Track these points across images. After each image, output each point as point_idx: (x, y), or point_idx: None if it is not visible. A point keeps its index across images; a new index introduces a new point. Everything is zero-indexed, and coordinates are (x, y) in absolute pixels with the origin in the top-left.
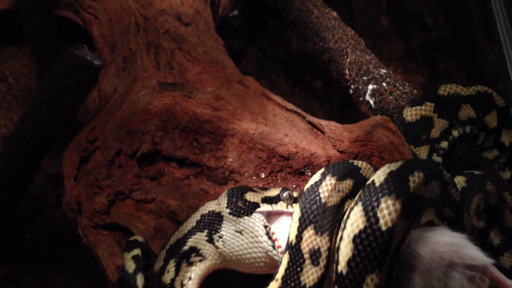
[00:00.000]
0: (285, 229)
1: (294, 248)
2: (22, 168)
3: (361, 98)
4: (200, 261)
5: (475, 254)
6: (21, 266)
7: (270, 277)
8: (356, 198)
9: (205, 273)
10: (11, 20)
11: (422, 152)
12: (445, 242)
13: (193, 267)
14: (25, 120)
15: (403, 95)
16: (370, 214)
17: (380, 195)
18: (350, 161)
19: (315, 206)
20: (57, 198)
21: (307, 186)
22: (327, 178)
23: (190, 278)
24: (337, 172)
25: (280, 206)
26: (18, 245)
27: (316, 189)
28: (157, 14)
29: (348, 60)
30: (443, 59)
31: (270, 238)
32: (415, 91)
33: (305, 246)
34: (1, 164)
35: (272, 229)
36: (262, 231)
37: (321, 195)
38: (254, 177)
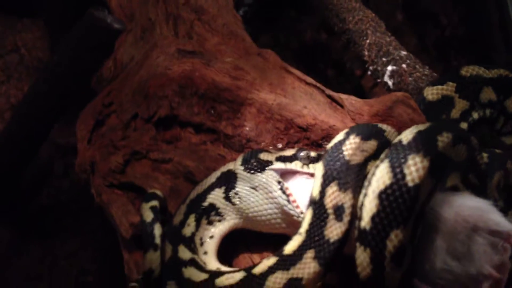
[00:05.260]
0: (300, 187)
1: (317, 204)
2: (33, 131)
3: (379, 80)
4: (219, 221)
5: (499, 220)
6: (27, 234)
7: (287, 239)
8: (382, 156)
9: (224, 234)
10: None
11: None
12: (470, 206)
13: (213, 227)
14: (40, 83)
15: (423, 77)
16: (397, 171)
17: (407, 152)
18: (374, 123)
19: (338, 164)
20: (64, 168)
21: (331, 144)
22: (351, 137)
23: (211, 237)
24: (361, 132)
25: (295, 165)
26: (25, 213)
27: (339, 147)
28: None
29: (368, 41)
30: (457, 57)
31: (284, 193)
32: (435, 74)
33: (329, 202)
34: (12, 126)
35: (286, 185)
36: (275, 186)
37: (345, 153)
38: (271, 147)
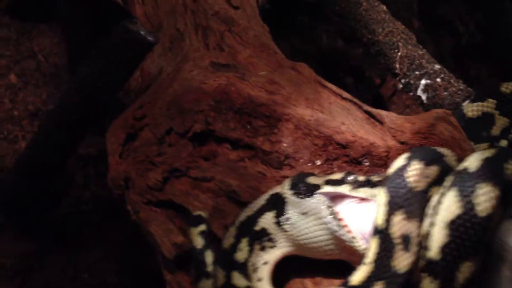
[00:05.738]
0: (350, 211)
1: (383, 233)
2: (62, 142)
3: (411, 93)
4: (272, 247)
5: None
6: (48, 244)
7: (339, 263)
8: (448, 184)
9: (277, 260)
10: None
11: (482, 149)
12: None
13: (265, 253)
14: (71, 93)
15: (459, 92)
16: (467, 200)
17: (476, 181)
18: (433, 147)
19: (403, 191)
20: (85, 178)
21: (392, 170)
22: (414, 162)
23: (265, 263)
24: (424, 157)
25: (343, 189)
26: (46, 223)
27: (402, 173)
28: None
29: (399, 54)
30: (474, 65)
31: (335, 218)
32: (470, 89)
33: (395, 231)
34: (41, 136)
35: (336, 209)
36: (325, 212)
37: (409, 180)
38: (309, 164)
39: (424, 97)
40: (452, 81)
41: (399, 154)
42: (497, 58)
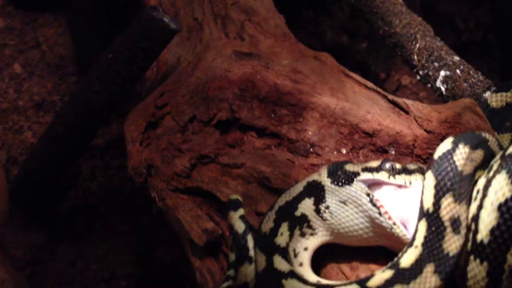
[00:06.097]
0: (389, 198)
1: (432, 216)
2: (81, 131)
3: (429, 85)
4: (312, 234)
5: None
6: (56, 236)
7: (374, 248)
8: (496, 167)
9: (316, 247)
10: None
11: (505, 139)
12: None
13: (305, 239)
14: (92, 81)
15: (479, 83)
16: None
17: None
18: (477, 132)
19: (451, 174)
20: (92, 170)
21: (438, 153)
22: (460, 146)
23: (305, 249)
24: (469, 141)
25: (382, 176)
26: (54, 215)
27: (450, 156)
28: None
29: (418, 45)
30: (474, 62)
31: (374, 205)
32: (489, 81)
33: (445, 214)
34: (60, 124)
35: (376, 197)
36: (365, 199)
37: (457, 163)
38: (335, 152)
39: (443, 88)
40: (471, 72)
41: (426, 143)
42: (501, 55)
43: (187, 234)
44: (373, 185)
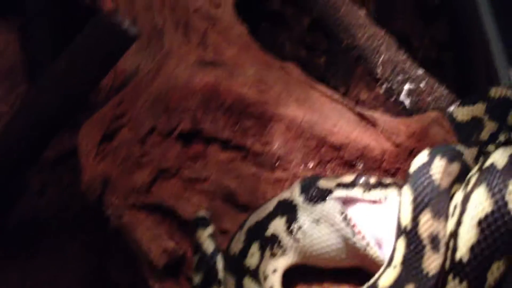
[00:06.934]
0: (362, 215)
1: (410, 233)
2: (33, 143)
3: (392, 99)
4: (281, 255)
5: None
6: (3, 255)
7: (347, 270)
8: (474, 181)
9: (285, 268)
10: None
11: (471, 153)
12: None
13: (275, 260)
14: (43, 90)
15: (442, 97)
16: (498, 197)
17: (507, 177)
18: (452, 144)
19: (429, 189)
20: (41, 184)
21: (414, 167)
22: (437, 159)
23: (274, 271)
24: (445, 154)
25: (356, 192)
26: (0, 233)
27: (426, 170)
28: None
29: (382, 58)
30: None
31: (348, 224)
32: (453, 94)
33: (424, 231)
34: (10, 136)
35: (349, 216)
36: (338, 218)
37: (434, 177)
38: (302, 166)
39: (407, 102)
40: (435, 86)
41: (394, 157)
42: (457, 72)
43: (145, 255)
44: (347, 202)
